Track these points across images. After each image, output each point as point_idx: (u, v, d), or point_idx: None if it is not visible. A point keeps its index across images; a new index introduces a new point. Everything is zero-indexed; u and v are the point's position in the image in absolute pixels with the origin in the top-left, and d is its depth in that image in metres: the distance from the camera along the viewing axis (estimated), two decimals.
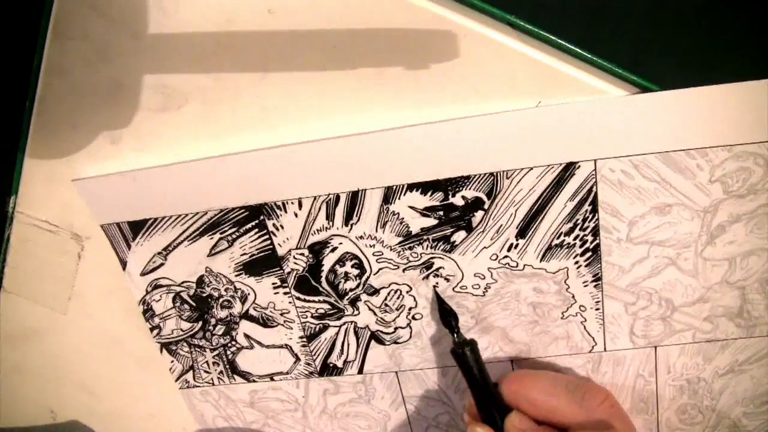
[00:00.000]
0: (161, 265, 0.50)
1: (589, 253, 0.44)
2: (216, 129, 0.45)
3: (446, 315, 0.47)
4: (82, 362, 0.57)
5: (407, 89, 0.42)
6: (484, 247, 0.45)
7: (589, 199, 0.43)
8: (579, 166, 0.41)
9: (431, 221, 0.45)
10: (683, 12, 0.40)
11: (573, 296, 0.46)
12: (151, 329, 0.52)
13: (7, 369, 0.59)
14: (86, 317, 0.55)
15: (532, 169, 0.42)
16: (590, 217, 0.43)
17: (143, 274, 0.50)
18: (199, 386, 0.55)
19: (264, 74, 0.43)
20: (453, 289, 0.47)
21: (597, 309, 0.46)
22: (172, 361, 0.54)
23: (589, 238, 0.44)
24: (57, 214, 0.51)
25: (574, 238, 0.44)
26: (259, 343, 0.52)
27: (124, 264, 0.50)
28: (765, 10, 0.38)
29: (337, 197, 0.45)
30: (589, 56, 0.39)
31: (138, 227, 0.48)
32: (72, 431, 0.61)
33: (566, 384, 0.44)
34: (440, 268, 0.46)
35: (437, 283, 0.47)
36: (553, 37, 0.39)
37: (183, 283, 0.50)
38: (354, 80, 0.42)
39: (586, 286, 0.45)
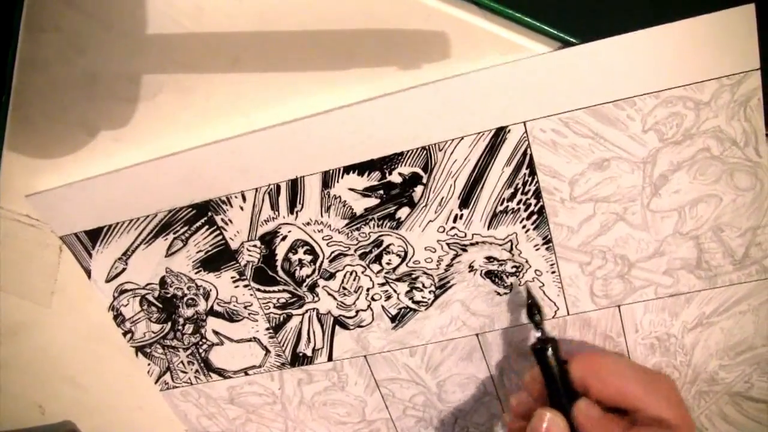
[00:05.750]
0: (123, 270, 0.50)
1: (535, 216, 0.43)
2: (191, 116, 0.45)
3: (532, 309, 0.45)
4: (69, 356, 0.58)
5: (333, 68, 0.41)
6: (430, 221, 0.45)
7: (526, 162, 0.42)
8: (509, 130, 0.41)
9: (373, 201, 0.44)
10: None
11: (526, 261, 0.45)
12: (124, 334, 0.53)
13: None
14: (70, 310, 0.55)
15: (462, 138, 0.41)
16: (530, 180, 0.42)
17: (108, 280, 0.51)
18: (178, 386, 0.55)
19: (235, 61, 0.43)
20: (407, 265, 0.46)
21: (553, 272, 0.45)
22: (149, 364, 0.54)
23: (533, 201, 0.43)
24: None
25: (518, 203, 0.43)
26: (228, 338, 0.52)
27: (88, 273, 0.51)
28: None
29: (278, 187, 0.45)
30: (510, 12, 0.39)
31: (95, 235, 0.49)
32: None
33: (634, 367, 0.44)
34: (390, 245, 0.46)
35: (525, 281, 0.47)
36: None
37: (147, 285, 0.50)
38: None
39: (537, 249, 0.45)
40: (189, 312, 0.51)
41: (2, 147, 0.48)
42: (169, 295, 0.51)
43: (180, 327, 0.52)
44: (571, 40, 0.38)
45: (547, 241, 0.44)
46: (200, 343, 0.52)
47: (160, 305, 0.51)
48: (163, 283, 0.50)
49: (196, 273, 0.49)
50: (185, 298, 0.51)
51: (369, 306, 0.49)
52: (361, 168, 0.43)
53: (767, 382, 0.48)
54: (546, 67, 0.39)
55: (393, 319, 0.49)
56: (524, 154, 0.41)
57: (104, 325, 0.55)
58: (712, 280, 0.44)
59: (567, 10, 0.39)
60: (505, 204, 0.43)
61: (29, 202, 0.48)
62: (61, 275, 0.53)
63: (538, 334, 0.44)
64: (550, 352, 0.43)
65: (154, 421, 0.60)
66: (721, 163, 0.40)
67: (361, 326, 0.50)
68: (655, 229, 0.43)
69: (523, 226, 0.44)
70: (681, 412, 0.41)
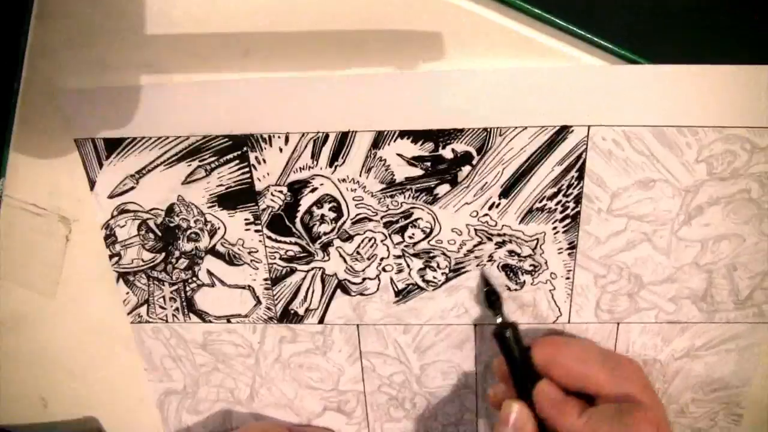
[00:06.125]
0: (132, 188, 0.48)
1: (568, 220, 0.45)
2: None
3: (491, 295, 0.47)
4: (72, 348, 0.56)
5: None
6: (466, 203, 0.45)
7: (577, 166, 0.43)
8: (572, 131, 0.42)
9: (417, 171, 0.45)
10: None
11: (546, 262, 0.46)
12: (111, 256, 0.51)
13: None
14: (75, 301, 0.54)
15: (526, 128, 0.42)
16: (575, 184, 0.44)
17: (111, 196, 0.48)
18: (151, 322, 0.53)
19: (246, 52, 0.43)
20: (429, 242, 0.47)
21: (567, 278, 0.47)
22: (127, 293, 0.52)
23: (571, 204, 0.44)
24: (45, 197, 0.50)
25: (556, 204, 0.44)
26: (221, 281, 0.50)
27: (92, 184, 0.48)
28: None
29: (326, 136, 0.44)
30: (588, 35, 0.40)
31: (114, 146, 0.46)
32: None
33: (598, 352, 0.44)
34: (418, 219, 0.46)
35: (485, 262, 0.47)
36: (556, 19, 0.40)
37: (151, 210, 0.49)
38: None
39: (560, 253, 0.46)
40: (188, 246, 0.49)
41: (11, 134, 0.47)
42: (172, 225, 0.49)
43: (173, 260, 0.50)
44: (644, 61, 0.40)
45: (572, 246, 0.46)
46: (190, 280, 0.51)
47: (159, 233, 0.49)
48: (170, 210, 0.48)
49: (209, 207, 0.48)
50: (189, 231, 0.49)
51: (377, 276, 0.48)
52: (417, 136, 0.43)
53: (730, 424, 0.51)
54: (621, 79, 0.40)
55: (398, 293, 0.49)
56: (579, 157, 0.43)
57: (109, 317, 0.54)
58: (711, 315, 0.47)
59: (647, 34, 0.41)
60: (544, 202, 0.44)
61: (58, 96, 0.45)
62: (67, 266, 0.52)
63: (499, 320, 0.46)
64: (509, 334, 0.44)
65: (157, 414, 0.58)
66: (756, 207, 0.43)
67: (364, 294, 0.49)
68: (676, 255, 0.45)
69: (554, 228, 0.45)
70: (648, 393, 0.42)
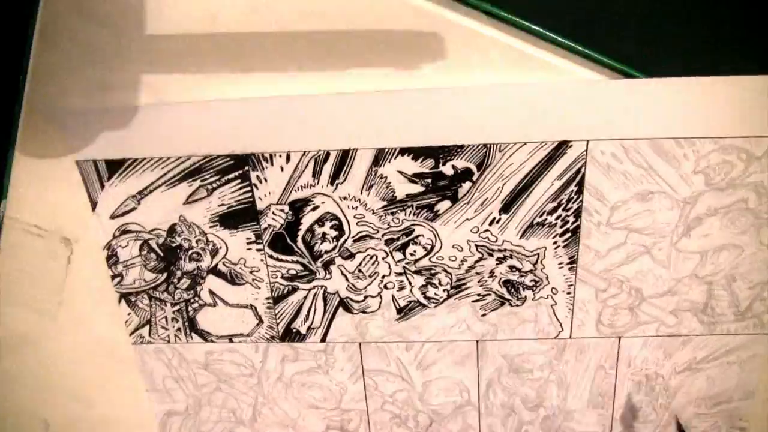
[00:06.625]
0: (133, 209, 0.48)
1: (569, 235, 0.45)
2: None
3: None
4: (74, 369, 0.56)
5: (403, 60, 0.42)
6: (467, 219, 0.45)
7: (577, 180, 0.43)
8: (571, 146, 0.42)
9: (418, 188, 0.45)
10: (685, 4, 0.42)
11: (547, 277, 0.47)
12: (113, 277, 0.51)
13: None
14: (76, 322, 0.53)
15: (525, 144, 0.43)
16: (575, 198, 0.44)
17: (113, 217, 0.49)
18: (153, 342, 0.53)
19: (248, 72, 0.43)
20: (430, 259, 0.47)
21: (568, 293, 0.47)
22: (129, 314, 0.52)
23: (571, 219, 0.45)
24: (47, 218, 0.50)
25: (556, 218, 0.45)
26: (223, 300, 0.50)
27: (94, 205, 0.48)
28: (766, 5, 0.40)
29: (327, 154, 0.45)
30: (586, 50, 0.41)
31: (115, 167, 0.47)
32: None
33: None
34: (419, 236, 0.46)
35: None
36: (554, 35, 0.41)
37: (153, 230, 0.49)
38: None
39: (561, 268, 0.46)
40: (190, 266, 0.50)
41: (13, 155, 0.47)
42: (174, 245, 0.49)
43: (175, 280, 0.50)
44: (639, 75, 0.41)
45: (573, 261, 0.46)
46: (192, 300, 0.51)
47: (161, 253, 0.49)
48: (171, 230, 0.48)
49: (210, 227, 0.48)
50: (190, 251, 0.49)
51: (379, 293, 0.49)
52: (417, 153, 0.44)
53: None
54: (619, 93, 0.41)
55: (400, 310, 0.49)
56: (578, 171, 0.43)
57: (111, 338, 0.54)
58: (711, 327, 0.47)
59: (644, 46, 0.42)
60: (544, 217, 0.45)
61: (59, 115, 0.46)
62: (69, 287, 0.52)
63: None
64: None
65: None
66: (753, 216, 0.43)
67: (365, 312, 0.49)
68: (676, 268, 0.45)
69: (554, 243, 0.46)
70: None
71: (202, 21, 0.42)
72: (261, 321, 0.51)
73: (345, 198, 0.46)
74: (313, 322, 0.50)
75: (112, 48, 0.43)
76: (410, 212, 0.46)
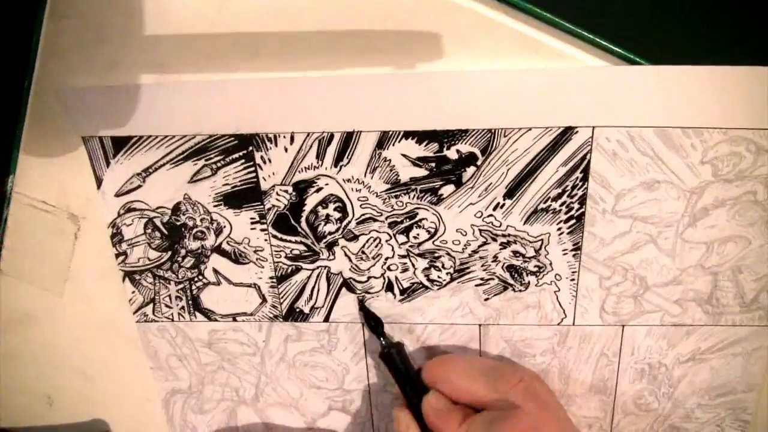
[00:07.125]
0: (138, 187, 0.48)
1: (573, 221, 0.45)
2: None
3: (371, 321, 0.49)
4: (79, 346, 0.56)
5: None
6: (471, 204, 0.45)
7: (582, 167, 0.43)
8: (577, 132, 0.42)
9: (422, 172, 0.45)
10: None
11: (550, 263, 0.46)
12: (117, 255, 0.51)
13: (2, 354, 0.58)
14: (82, 299, 0.54)
15: (530, 129, 0.42)
16: (580, 184, 0.43)
17: (118, 195, 0.49)
18: (157, 321, 0.53)
19: (255, 51, 0.43)
20: (433, 242, 0.47)
21: (572, 280, 0.47)
22: (133, 292, 0.52)
23: (575, 205, 0.44)
24: (54, 194, 0.50)
25: (561, 204, 0.44)
26: (227, 279, 0.51)
27: (99, 182, 0.48)
28: None
29: (331, 136, 0.44)
30: (593, 37, 0.40)
31: (121, 144, 0.47)
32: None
33: (481, 367, 0.46)
34: (423, 219, 0.46)
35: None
36: (561, 20, 0.40)
37: (158, 208, 0.49)
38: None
39: (565, 254, 0.46)
40: (194, 245, 0.50)
41: (21, 132, 0.48)
42: (178, 224, 0.49)
43: (179, 259, 0.50)
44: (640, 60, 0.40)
45: (577, 248, 0.46)
46: (196, 279, 0.51)
47: (166, 232, 0.50)
48: (176, 209, 0.49)
49: (215, 206, 0.48)
50: (195, 230, 0.49)
51: (383, 274, 0.49)
52: (422, 136, 0.43)
53: (736, 431, 0.51)
54: (625, 79, 0.40)
55: (403, 291, 0.49)
56: (583, 158, 0.43)
57: (115, 315, 0.54)
58: (716, 318, 0.47)
59: (652, 34, 0.41)
60: (548, 203, 0.44)
61: (62, 94, 0.46)
62: (75, 264, 0.52)
63: (383, 342, 0.49)
64: (395, 355, 0.48)
65: (163, 414, 0.59)
66: (761, 209, 0.43)
67: (368, 293, 0.49)
68: (681, 258, 0.45)
69: (558, 229, 0.45)
70: (530, 399, 0.43)
71: (213, 3, 0.42)
72: (264, 300, 0.51)
73: (349, 180, 0.46)
74: (316, 301, 0.50)
75: (120, 26, 0.43)
76: (414, 196, 0.45)
